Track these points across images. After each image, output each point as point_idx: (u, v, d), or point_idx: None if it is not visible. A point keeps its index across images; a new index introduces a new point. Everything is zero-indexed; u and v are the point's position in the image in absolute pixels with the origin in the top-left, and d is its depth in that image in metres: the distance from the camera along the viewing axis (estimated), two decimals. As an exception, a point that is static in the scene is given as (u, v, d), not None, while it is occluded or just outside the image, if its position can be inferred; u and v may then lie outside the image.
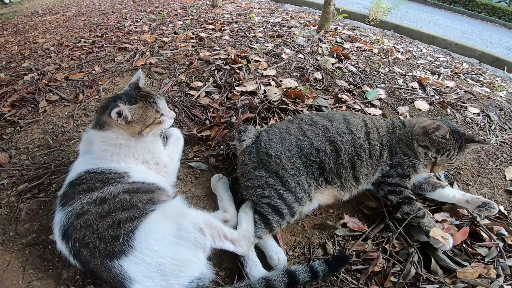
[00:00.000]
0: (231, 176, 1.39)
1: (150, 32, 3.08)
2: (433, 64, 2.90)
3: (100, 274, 0.97)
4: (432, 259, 1.15)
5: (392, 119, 1.46)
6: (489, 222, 1.31)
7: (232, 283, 1.10)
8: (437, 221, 1.27)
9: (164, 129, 1.25)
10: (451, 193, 1.31)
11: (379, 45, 3.09)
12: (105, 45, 2.86)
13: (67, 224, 1.03)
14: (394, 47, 3.11)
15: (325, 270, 1.07)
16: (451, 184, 1.49)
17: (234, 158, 1.45)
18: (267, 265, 1.13)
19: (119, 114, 1.11)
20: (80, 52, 2.82)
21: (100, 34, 3.23)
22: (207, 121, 1.65)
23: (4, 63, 2.86)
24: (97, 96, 1.97)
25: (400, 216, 1.27)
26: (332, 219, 1.31)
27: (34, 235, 1.24)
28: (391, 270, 1.11)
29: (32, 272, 1.15)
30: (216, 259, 1.15)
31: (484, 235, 1.23)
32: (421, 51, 3.34)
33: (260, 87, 1.90)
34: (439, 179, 1.46)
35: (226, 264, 1.16)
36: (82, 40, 3.12)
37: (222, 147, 1.52)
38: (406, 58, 2.85)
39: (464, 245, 1.21)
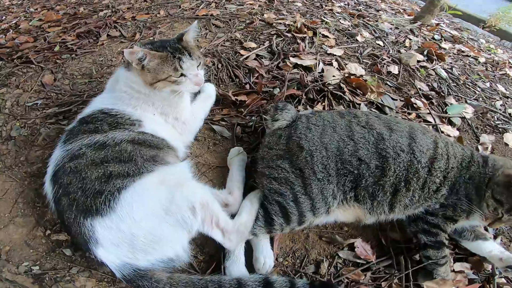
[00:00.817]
0: (252, 155, 1.24)
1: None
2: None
3: (69, 228, 0.91)
4: None
5: (472, 150, 1.14)
6: (505, 282, 1.13)
7: (205, 271, 1.00)
8: (453, 271, 1.10)
9: (182, 90, 1.10)
10: (488, 248, 1.12)
11: (490, 54, 2.50)
12: (178, -9, 2.88)
13: (60, 164, 0.96)
14: (509, 61, 2.49)
15: None
16: (495, 237, 1.25)
17: (263, 135, 1.30)
18: (250, 264, 1.01)
19: (132, 54, 1.02)
20: (155, -6, 2.90)
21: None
22: (247, 86, 1.52)
23: (90, -2, 3.12)
24: (151, 38, 2.00)
25: (418, 258, 1.09)
26: (343, 237, 1.14)
27: (40, 165, 1.25)
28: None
29: (21, 207, 1.15)
30: (200, 240, 1.05)
31: (488, 294, 1.06)
32: (545, 74, 2.61)
33: (319, 64, 1.67)
34: (486, 229, 1.22)
35: (209, 248, 1.06)
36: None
37: (253, 118, 1.38)
38: (520, 78, 2.24)
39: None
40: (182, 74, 1.07)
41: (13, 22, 2.63)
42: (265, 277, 0.92)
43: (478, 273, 1.12)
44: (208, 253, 1.06)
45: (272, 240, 1.08)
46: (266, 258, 1.01)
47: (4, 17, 2.81)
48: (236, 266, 0.98)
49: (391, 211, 1.05)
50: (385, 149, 1.01)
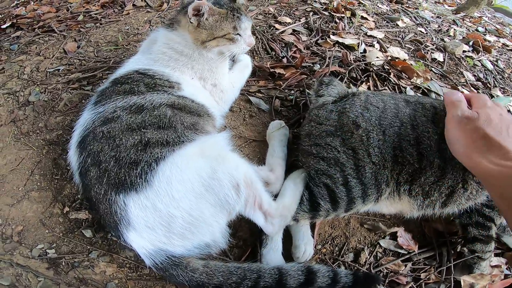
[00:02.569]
0: (292, 130, 1.18)
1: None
2: None
3: (97, 206, 0.81)
4: None
5: None
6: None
7: (240, 258, 0.93)
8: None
9: (233, 51, 1.08)
10: None
11: (534, 51, 2.40)
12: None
13: (89, 128, 0.87)
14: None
15: (348, 283, 0.84)
16: None
17: (305, 109, 1.24)
18: (286, 252, 0.95)
19: (197, 10, 0.99)
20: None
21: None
22: (284, 60, 1.46)
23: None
24: (179, 8, 1.96)
25: (467, 250, 1.04)
26: (386, 225, 1.09)
27: (60, 131, 1.19)
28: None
29: (37, 179, 1.08)
30: (234, 222, 0.97)
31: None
32: None
33: (361, 44, 1.61)
34: None
35: (243, 232, 0.99)
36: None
37: (293, 92, 1.32)
38: None
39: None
40: (238, 34, 1.06)
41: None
42: (307, 266, 0.85)
43: (510, 269, 1.10)
44: (242, 237, 0.98)
45: (313, 226, 1.01)
46: (306, 245, 0.94)
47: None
48: (274, 254, 0.92)
49: (443, 207, 0.97)
50: (446, 150, 0.89)
